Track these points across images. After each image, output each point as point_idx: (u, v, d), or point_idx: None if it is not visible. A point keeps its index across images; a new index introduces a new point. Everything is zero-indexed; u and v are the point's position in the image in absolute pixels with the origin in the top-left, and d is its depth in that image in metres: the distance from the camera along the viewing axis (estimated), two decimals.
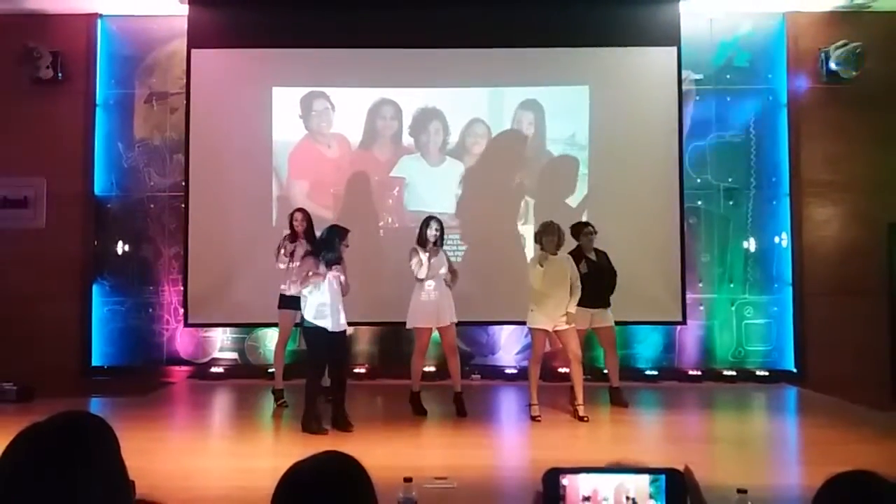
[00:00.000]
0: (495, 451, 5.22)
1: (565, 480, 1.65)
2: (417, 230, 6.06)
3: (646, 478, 1.66)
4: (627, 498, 1.67)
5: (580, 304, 5.87)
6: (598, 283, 6.12)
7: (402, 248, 6.92)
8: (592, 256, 6.23)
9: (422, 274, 5.85)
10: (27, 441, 1.26)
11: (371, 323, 7.49)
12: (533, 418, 5.76)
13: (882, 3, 7.59)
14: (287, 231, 6.50)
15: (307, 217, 6.40)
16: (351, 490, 1.34)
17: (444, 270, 5.93)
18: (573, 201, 7.73)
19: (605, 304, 6.25)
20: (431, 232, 5.88)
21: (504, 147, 7.84)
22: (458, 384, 6.05)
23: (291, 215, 6.44)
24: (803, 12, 7.88)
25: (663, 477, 1.66)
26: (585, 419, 5.70)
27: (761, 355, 7.83)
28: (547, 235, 5.79)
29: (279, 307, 6.32)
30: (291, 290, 5.87)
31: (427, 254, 5.85)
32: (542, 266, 5.70)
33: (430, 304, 5.90)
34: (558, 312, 5.76)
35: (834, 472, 1.43)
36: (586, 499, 1.65)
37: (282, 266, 6.24)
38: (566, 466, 1.69)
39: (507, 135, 7.84)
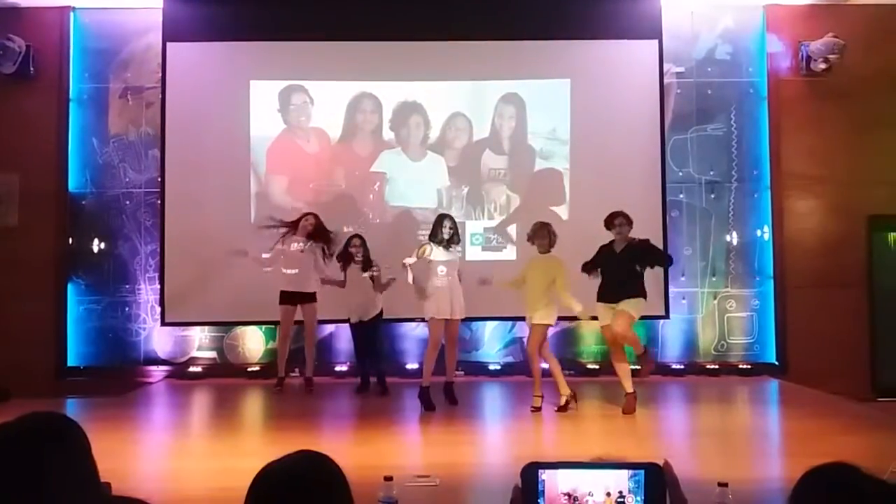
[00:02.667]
0: (478, 448, 5.17)
1: (544, 475, 1.65)
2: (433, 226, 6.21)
3: (625, 473, 1.66)
4: (608, 493, 1.65)
5: (602, 299, 5.81)
6: (618, 277, 5.79)
7: (383, 244, 6.90)
8: (618, 249, 5.85)
9: (409, 260, 6.03)
10: None
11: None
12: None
13: None
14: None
15: (314, 221, 6.82)
16: (325, 489, 1.32)
17: (446, 269, 6.03)
18: (555, 196, 7.71)
19: (622, 297, 5.76)
20: (445, 230, 6.05)
21: (485, 141, 7.79)
22: (452, 375, 6.17)
23: (304, 216, 6.86)
24: (783, 5, 7.90)
25: (642, 472, 1.65)
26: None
27: (743, 348, 7.86)
28: (538, 238, 5.93)
29: (280, 303, 6.70)
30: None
31: (428, 250, 6.04)
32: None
33: (443, 296, 5.97)
34: (531, 310, 5.86)
35: (813, 464, 1.40)
36: (566, 494, 1.64)
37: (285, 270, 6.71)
38: (545, 461, 1.68)
39: (489, 128, 7.79)
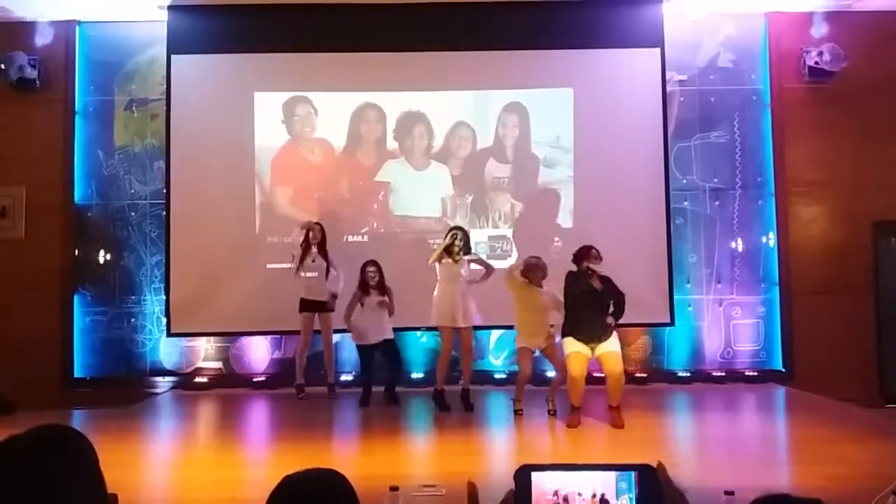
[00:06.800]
0: (484, 458, 5.15)
1: (536, 477, 1.65)
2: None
3: (617, 474, 1.66)
4: (603, 499, 1.65)
5: (579, 337, 5.53)
6: (599, 318, 5.50)
7: (387, 254, 6.91)
8: (597, 286, 5.52)
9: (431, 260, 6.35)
10: (2, 455, 1.24)
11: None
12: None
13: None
14: (300, 240, 6.95)
15: (322, 229, 6.98)
16: None
17: (464, 272, 6.30)
18: (559, 205, 7.72)
19: (605, 337, 5.54)
20: (457, 242, 6.29)
21: (489, 150, 7.81)
22: (466, 383, 6.39)
23: (309, 226, 6.97)
24: (785, 12, 7.92)
25: (634, 473, 1.65)
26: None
27: (750, 355, 7.84)
28: (532, 272, 5.96)
29: (300, 311, 6.87)
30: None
31: (447, 260, 6.28)
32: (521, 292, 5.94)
33: (446, 305, 6.21)
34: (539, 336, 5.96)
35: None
36: (555, 493, 1.65)
37: (304, 274, 6.90)
38: (537, 464, 1.69)
39: (492, 137, 7.81)
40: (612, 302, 5.55)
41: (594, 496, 1.65)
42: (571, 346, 5.60)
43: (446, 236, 6.38)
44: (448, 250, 6.32)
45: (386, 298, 6.63)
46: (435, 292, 6.34)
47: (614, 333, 5.60)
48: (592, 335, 5.52)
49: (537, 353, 6.14)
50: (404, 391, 6.94)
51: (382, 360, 6.78)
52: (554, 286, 5.94)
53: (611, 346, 5.55)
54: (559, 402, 5.97)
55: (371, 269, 6.69)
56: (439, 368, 6.39)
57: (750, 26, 8.02)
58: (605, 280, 5.62)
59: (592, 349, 5.56)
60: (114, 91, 7.95)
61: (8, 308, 7.46)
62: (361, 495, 1.37)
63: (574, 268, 5.72)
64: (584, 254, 5.63)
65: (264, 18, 7.61)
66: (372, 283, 6.64)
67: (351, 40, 7.60)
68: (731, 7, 7.92)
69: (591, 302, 5.51)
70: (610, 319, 5.52)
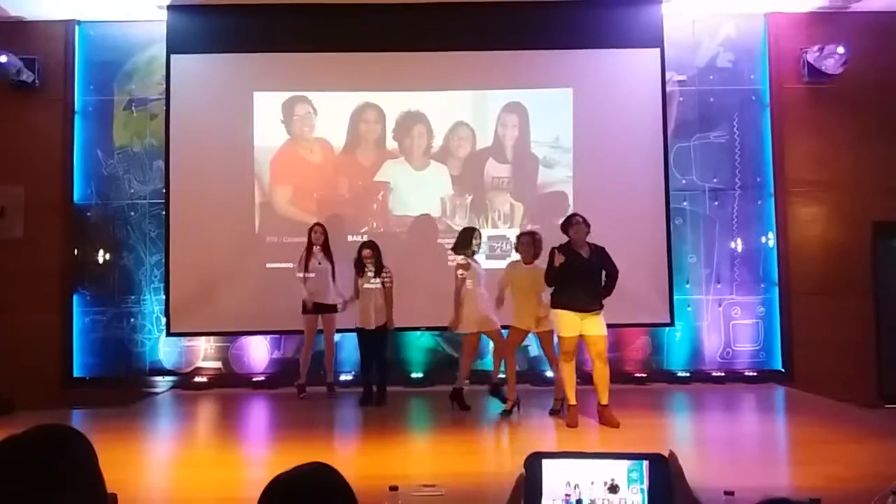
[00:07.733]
0: (484, 457, 5.16)
1: (547, 465, 1.63)
2: (459, 238, 6.34)
3: (628, 462, 1.64)
4: (611, 483, 1.64)
5: (569, 307, 5.55)
6: (588, 284, 5.57)
7: (387, 254, 6.90)
8: (584, 253, 5.60)
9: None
10: (1, 454, 1.24)
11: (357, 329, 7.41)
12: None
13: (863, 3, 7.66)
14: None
15: (324, 230, 6.96)
16: (332, 502, 1.31)
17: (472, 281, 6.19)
18: (559, 203, 7.72)
19: (596, 308, 5.59)
20: (477, 242, 6.22)
21: (488, 150, 7.81)
22: (461, 382, 6.33)
23: (311, 228, 6.96)
24: (784, 13, 7.92)
25: (645, 462, 1.64)
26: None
27: (749, 356, 7.84)
28: (523, 248, 6.04)
29: (303, 312, 6.85)
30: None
31: (473, 267, 6.13)
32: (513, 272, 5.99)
33: (479, 309, 6.12)
34: (529, 318, 5.93)
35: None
36: (568, 483, 1.64)
37: (299, 275, 6.87)
38: (548, 451, 1.68)
39: (492, 137, 7.81)
40: (602, 271, 5.60)
41: (605, 484, 1.64)
42: (563, 325, 5.58)
43: (471, 237, 6.23)
44: (460, 248, 6.23)
45: (378, 285, 6.53)
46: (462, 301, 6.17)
47: (602, 314, 5.61)
48: (582, 304, 5.53)
49: (536, 353, 6.14)
50: (405, 391, 6.94)
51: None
52: None
53: (599, 330, 5.59)
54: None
55: (366, 251, 6.61)
56: (463, 367, 6.33)
57: (749, 26, 8.02)
58: (598, 250, 5.67)
59: (582, 319, 5.54)
60: (113, 91, 7.94)
61: (7, 308, 7.45)
62: (361, 495, 1.36)
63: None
64: (568, 222, 5.72)
65: (264, 18, 7.61)
66: (367, 264, 6.56)
67: (350, 40, 7.61)
68: (731, 7, 7.92)
69: (579, 271, 5.54)
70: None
